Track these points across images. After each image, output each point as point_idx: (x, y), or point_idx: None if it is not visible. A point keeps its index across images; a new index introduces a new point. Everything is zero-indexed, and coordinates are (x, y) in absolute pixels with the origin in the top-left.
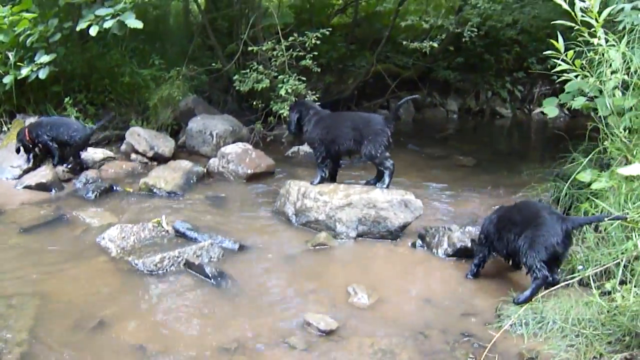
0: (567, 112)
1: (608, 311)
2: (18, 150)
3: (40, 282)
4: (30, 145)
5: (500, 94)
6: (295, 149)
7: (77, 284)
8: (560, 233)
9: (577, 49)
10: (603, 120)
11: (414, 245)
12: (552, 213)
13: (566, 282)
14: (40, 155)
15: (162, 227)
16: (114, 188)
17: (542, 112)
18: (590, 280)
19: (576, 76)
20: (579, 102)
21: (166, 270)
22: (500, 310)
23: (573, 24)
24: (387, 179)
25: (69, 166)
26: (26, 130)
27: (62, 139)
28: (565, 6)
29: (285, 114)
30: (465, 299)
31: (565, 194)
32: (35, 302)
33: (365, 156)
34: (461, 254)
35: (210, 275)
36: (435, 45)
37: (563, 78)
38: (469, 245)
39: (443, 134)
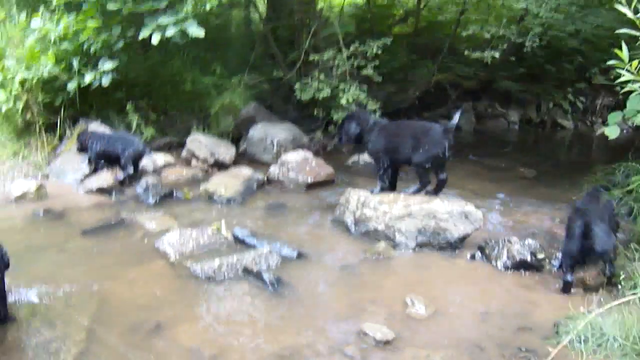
0: (630, 124)
1: None
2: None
3: (99, 284)
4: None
5: (562, 105)
6: (355, 158)
7: (135, 286)
8: None
9: None
10: None
11: (473, 257)
12: None
13: (627, 298)
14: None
15: (222, 233)
16: (174, 194)
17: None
18: None
19: None
20: None
21: (224, 276)
22: (559, 325)
23: (638, 33)
24: (413, 189)
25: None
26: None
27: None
28: (630, 14)
29: None
30: (523, 312)
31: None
32: (94, 303)
33: (414, 164)
34: (520, 266)
35: (267, 282)
36: (497, 55)
37: (627, 89)
38: (529, 258)
39: (506, 149)
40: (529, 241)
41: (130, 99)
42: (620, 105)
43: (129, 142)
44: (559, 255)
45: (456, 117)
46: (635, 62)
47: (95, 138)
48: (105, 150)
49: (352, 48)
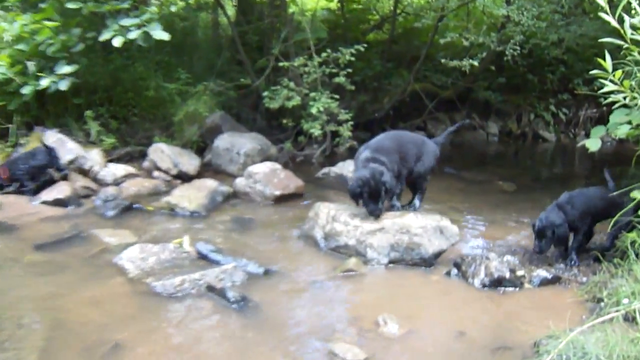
0: (613, 137)
1: None
2: None
3: (53, 302)
4: None
5: (544, 117)
6: (326, 170)
7: (92, 305)
8: None
9: (627, 68)
10: None
11: (448, 274)
12: None
13: (610, 316)
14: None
15: (184, 248)
16: (135, 206)
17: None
18: (636, 315)
19: (625, 97)
20: (622, 131)
21: (186, 293)
22: (539, 344)
23: (622, 42)
24: (417, 202)
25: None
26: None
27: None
28: (615, 23)
29: (316, 133)
30: (501, 332)
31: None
32: (47, 323)
33: (417, 174)
34: (499, 284)
35: (232, 300)
36: (476, 63)
37: (610, 100)
38: (508, 275)
39: (485, 162)
40: (508, 257)
41: (89, 106)
42: (605, 117)
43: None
44: (539, 272)
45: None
46: (618, 72)
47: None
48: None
49: (324, 55)
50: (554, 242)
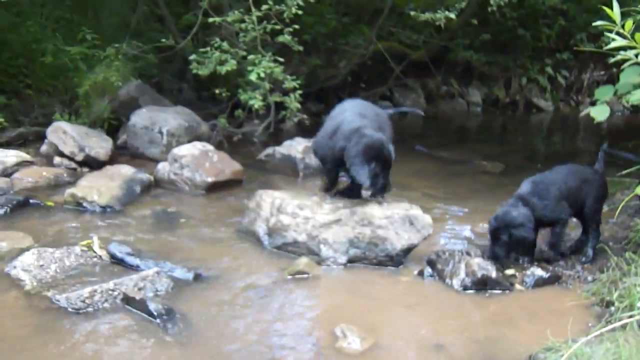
0: (626, 104)
1: None
2: None
3: None
4: None
5: (539, 81)
6: (270, 150)
7: None
8: None
9: (639, 18)
10: None
11: (421, 273)
12: None
13: (622, 322)
14: None
15: (94, 251)
16: (31, 202)
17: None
18: None
19: (637, 55)
20: (636, 97)
21: (97, 307)
22: (535, 359)
23: None
24: None
25: None
26: None
27: None
28: None
29: (256, 105)
30: (488, 344)
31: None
32: None
33: None
34: (483, 285)
35: (155, 314)
36: (453, 16)
37: (619, 58)
38: (494, 274)
39: (465, 138)
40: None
41: None
42: (614, 81)
43: None
44: (533, 270)
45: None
46: (629, 23)
47: None
48: None
49: (264, 7)
50: (513, 247)
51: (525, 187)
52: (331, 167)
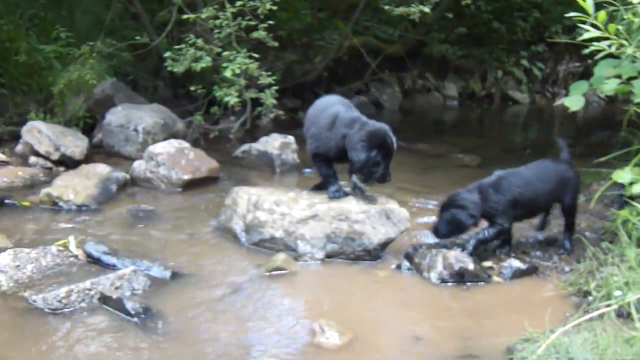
0: (601, 96)
1: None
2: None
3: None
4: None
5: (514, 74)
6: (246, 147)
7: None
8: None
9: (612, 9)
10: None
11: (399, 267)
12: None
13: (600, 312)
14: None
15: (70, 251)
16: (6, 202)
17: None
18: (631, 310)
19: (610, 46)
20: (610, 87)
21: (74, 307)
22: (513, 350)
23: None
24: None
25: None
26: None
27: None
28: None
29: (232, 102)
30: (466, 336)
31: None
32: None
33: None
34: (461, 278)
35: (132, 313)
36: (427, 10)
37: (592, 49)
38: (471, 267)
39: (442, 131)
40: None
41: None
42: (590, 73)
43: None
44: (511, 262)
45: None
46: (602, 14)
47: None
48: None
49: (239, 3)
50: (453, 227)
51: (490, 177)
52: (327, 162)
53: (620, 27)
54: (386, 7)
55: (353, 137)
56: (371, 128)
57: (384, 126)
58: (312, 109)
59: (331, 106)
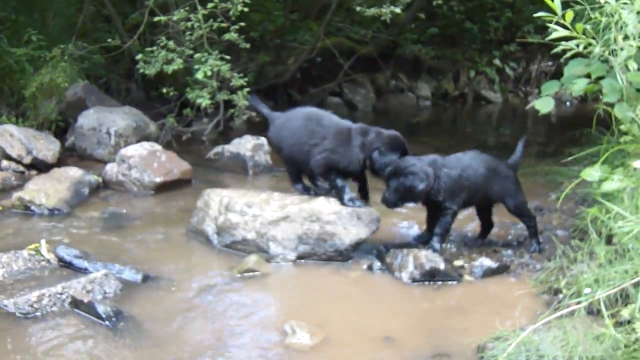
0: (573, 95)
1: (626, 346)
2: None
3: None
4: None
5: (487, 74)
6: (219, 149)
7: None
8: None
9: (578, 8)
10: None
11: (370, 267)
12: None
13: (570, 309)
14: None
15: (42, 255)
16: None
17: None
18: (601, 307)
19: (577, 45)
20: (579, 86)
21: (46, 311)
22: (484, 348)
23: None
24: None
25: None
26: None
27: None
28: None
29: (205, 104)
30: (437, 335)
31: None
32: None
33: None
34: (432, 277)
35: (103, 316)
36: (399, 11)
37: (560, 48)
38: (442, 266)
39: (414, 131)
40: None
41: None
42: (562, 72)
43: None
44: (481, 261)
45: None
46: (569, 13)
47: None
48: None
49: (210, 5)
50: (402, 195)
51: (447, 157)
52: (341, 174)
53: (587, 27)
54: (358, 8)
55: (373, 144)
56: (389, 134)
57: (397, 133)
58: (295, 121)
59: (329, 120)
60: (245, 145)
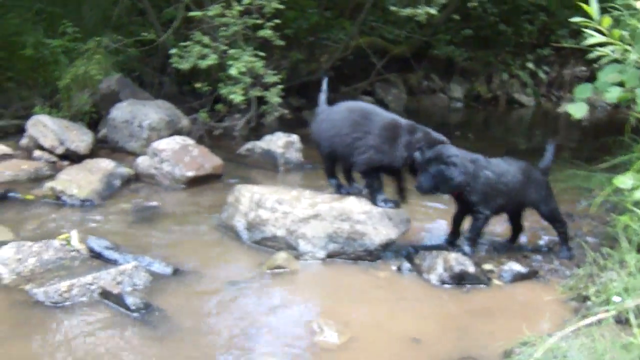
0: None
1: None
2: None
3: None
4: None
5: (520, 77)
6: (250, 145)
7: None
8: None
9: (615, 13)
10: None
11: (399, 268)
12: None
13: (598, 317)
14: None
15: (73, 245)
16: (9, 195)
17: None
18: (630, 316)
19: (613, 51)
20: (613, 95)
21: (76, 301)
22: (511, 353)
23: None
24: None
25: None
26: None
27: None
28: None
29: (237, 100)
30: (465, 338)
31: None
32: None
33: None
34: (461, 280)
35: (132, 308)
36: (434, 12)
37: (596, 54)
38: (472, 269)
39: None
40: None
41: None
42: (596, 77)
43: None
44: (511, 265)
45: None
46: (606, 19)
47: None
48: None
49: (245, 1)
50: (438, 183)
51: (489, 159)
52: (378, 173)
53: (624, 33)
54: (393, 8)
55: (418, 143)
56: (436, 137)
57: (444, 137)
58: (338, 113)
59: (372, 111)
60: (277, 142)
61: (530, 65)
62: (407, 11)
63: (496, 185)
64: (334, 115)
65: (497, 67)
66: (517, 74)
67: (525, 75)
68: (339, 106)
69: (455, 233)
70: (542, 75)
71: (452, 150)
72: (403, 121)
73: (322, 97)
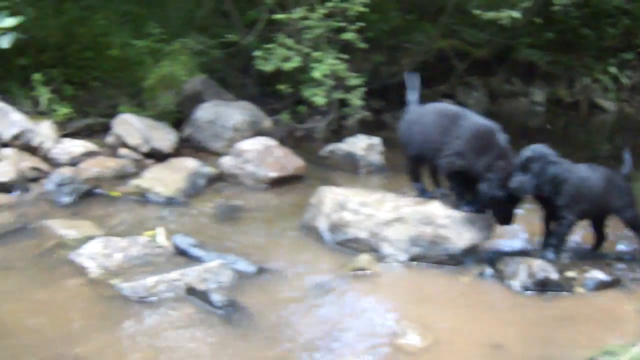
0: None
1: None
2: None
3: None
4: None
5: (602, 81)
6: (331, 147)
7: (45, 312)
8: None
9: None
10: None
11: (481, 274)
12: None
13: None
14: None
15: (158, 242)
16: (96, 191)
17: None
18: None
19: None
20: None
21: (162, 297)
22: None
23: None
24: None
25: None
26: None
27: None
28: None
29: (319, 102)
30: (547, 345)
31: None
32: None
33: None
34: (543, 287)
35: (218, 305)
36: (517, 15)
37: None
38: (555, 276)
39: (528, 137)
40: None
41: (38, 68)
42: None
43: None
44: (594, 273)
45: None
46: None
47: None
48: None
49: (329, 4)
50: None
51: (576, 164)
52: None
53: None
54: (475, 11)
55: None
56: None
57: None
58: (428, 117)
59: (463, 116)
60: (359, 144)
61: (613, 69)
62: (491, 14)
63: (580, 190)
64: (424, 118)
65: (579, 71)
66: (600, 78)
67: (608, 79)
68: (428, 108)
69: (547, 234)
70: (625, 79)
71: (544, 149)
72: (497, 126)
73: (413, 96)
